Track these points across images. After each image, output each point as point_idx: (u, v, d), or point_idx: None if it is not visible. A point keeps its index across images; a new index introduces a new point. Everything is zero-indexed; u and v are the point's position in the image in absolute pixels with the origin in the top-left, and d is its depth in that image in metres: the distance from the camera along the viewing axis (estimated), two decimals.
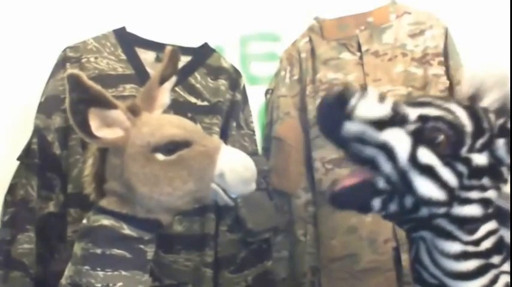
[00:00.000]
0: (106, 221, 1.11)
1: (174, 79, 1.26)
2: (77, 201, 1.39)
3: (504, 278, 1.05)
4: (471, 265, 1.03)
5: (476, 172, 1.02)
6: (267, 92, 1.69)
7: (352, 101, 0.99)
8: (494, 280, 1.04)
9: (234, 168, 1.11)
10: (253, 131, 1.61)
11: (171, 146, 1.10)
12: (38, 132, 1.43)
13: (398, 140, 0.99)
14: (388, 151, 0.99)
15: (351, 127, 0.99)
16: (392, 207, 1.04)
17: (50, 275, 1.38)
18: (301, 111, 1.63)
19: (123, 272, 1.10)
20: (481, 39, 1.64)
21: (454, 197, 1.01)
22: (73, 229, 1.37)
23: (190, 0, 1.66)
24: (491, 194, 1.04)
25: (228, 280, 1.47)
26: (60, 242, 1.40)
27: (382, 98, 1.02)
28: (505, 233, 1.06)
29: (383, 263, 1.48)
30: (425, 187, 0.99)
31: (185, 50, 1.55)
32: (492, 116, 1.04)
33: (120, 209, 1.12)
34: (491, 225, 1.05)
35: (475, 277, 1.03)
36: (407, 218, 1.05)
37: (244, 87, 1.60)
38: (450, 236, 1.04)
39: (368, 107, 1.00)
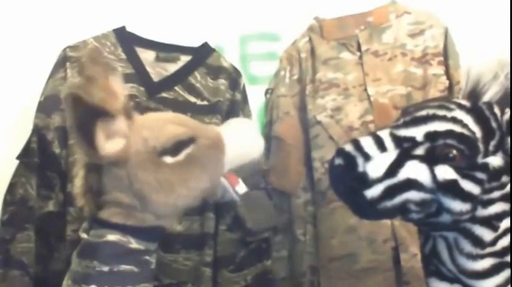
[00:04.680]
0: (112, 237, 1.03)
1: None
2: None
3: None
4: (486, 263, 1.02)
5: (495, 174, 1.00)
6: (266, 92, 1.69)
7: (360, 168, 0.98)
8: (510, 279, 1.03)
9: (242, 152, 1.08)
10: None
11: (178, 146, 1.04)
12: (37, 131, 1.43)
13: (418, 172, 0.98)
14: (413, 185, 0.99)
15: (372, 193, 0.98)
16: (415, 215, 1.03)
17: (49, 274, 1.38)
18: (300, 111, 1.63)
19: None
20: (481, 40, 1.64)
21: (477, 203, 1.00)
22: (73, 228, 1.38)
23: (190, 0, 1.66)
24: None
25: (228, 279, 1.47)
26: (59, 241, 1.40)
27: (377, 139, 1.01)
28: None
29: (382, 263, 1.48)
30: (452, 203, 0.98)
31: (185, 50, 1.56)
32: (497, 110, 1.02)
33: (125, 221, 1.04)
34: (507, 222, 1.03)
35: (489, 276, 1.02)
36: (429, 222, 1.04)
37: (244, 86, 1.60)
38: (476, 238, 1.03)
39: (377, 163, 0.98)
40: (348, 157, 0.99)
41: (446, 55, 1.57)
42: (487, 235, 1.02)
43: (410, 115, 1.04)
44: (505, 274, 1.03)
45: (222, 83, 1.54)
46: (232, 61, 1.62)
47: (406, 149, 0.99)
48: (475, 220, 1.02)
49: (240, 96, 1.57)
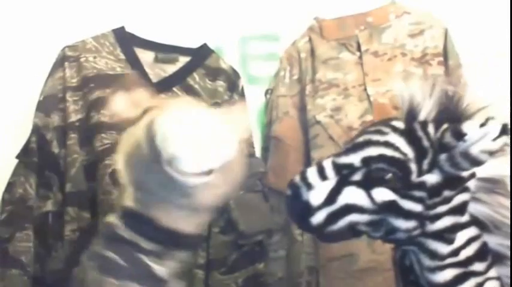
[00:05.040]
0: (111, 218, 1.02)
1: None
2: (75, 200, 1.41)
3: (491, 284, 1.05)
4: (448, 274, 1.05)
5: (434, 191, 1.03)
6: (266, 92, 1.69)
7: (303, 197, 1.04)
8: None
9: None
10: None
11: None
12: (36, 131, 1.44)
13: (355, 196, 1.03)
14: (353, 209, 1.03)
15: (316, 220, 1.04)
16: (373, 233, 1.07)
17: (47, 273, 1.39)
18: (301, 111, 1.62)
19: (114, 280, 0.98)
20: (481, 40, 1.64)
21: (423, 218, 1.03)
22: (71, 228, 1.40)
23: (190, 0, 1.66)
24: (461, 198, 1.05)
25: (218, 282, 1.47)
26: (57, 241, 1.41)
27: (320, 169, 1.05)
28: (489, 239, 1.06)
29: (381, 263, 1.47)
30: (396, 221, 1.03)
31: (184, 51, 1.56)
32: (432, 129, 1.04)
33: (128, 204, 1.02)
34: (470, 232, 1.06)
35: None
36: (389, 239, 1.09)
37: (242, 88, 1.60)
38: (431, 252, 1.05)
39: (317, 192, 1.04)
40: (294, 187, 1.06)
41: (446, 55, 1.57)
42: (441, 248, 1.05)
43: (351, 142, 1.09)
44: (470, 284, 1.05)
45: (221, 84, 1.55)
46: (232, 61, 1.62)
47: (344, 176, 1.04)
48: (427, 234, 1.05)
49: (237, 98, 1.57)
